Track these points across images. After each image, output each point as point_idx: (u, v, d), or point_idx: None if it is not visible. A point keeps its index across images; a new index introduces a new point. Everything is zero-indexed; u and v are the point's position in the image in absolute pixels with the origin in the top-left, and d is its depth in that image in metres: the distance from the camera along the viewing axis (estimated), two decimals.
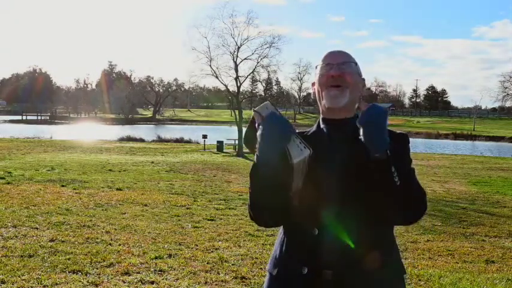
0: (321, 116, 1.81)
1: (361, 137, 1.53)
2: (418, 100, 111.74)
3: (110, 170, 14.00)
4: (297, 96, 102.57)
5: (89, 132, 39.53)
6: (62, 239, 5.89)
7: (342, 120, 1.74)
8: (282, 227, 1.79)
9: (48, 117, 75.03)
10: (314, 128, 1.82)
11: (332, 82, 1.72)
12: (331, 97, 1.72)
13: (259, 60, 26.20)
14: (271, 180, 1.58)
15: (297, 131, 1.82)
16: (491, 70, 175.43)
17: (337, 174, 1.65)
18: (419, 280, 4.96)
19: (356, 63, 1.80)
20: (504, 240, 6.95)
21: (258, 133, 1.55)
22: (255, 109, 1.58)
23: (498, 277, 5.16)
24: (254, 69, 26.75)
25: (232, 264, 5.21)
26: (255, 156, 1.59)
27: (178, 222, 7.22)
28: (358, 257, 1.61)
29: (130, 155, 20.25)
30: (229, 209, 8.56)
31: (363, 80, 1.83)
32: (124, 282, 4.54)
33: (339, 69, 1.73)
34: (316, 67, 1.80)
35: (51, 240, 5.82)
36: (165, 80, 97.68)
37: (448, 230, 7.38)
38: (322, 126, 1.79)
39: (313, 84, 1.83)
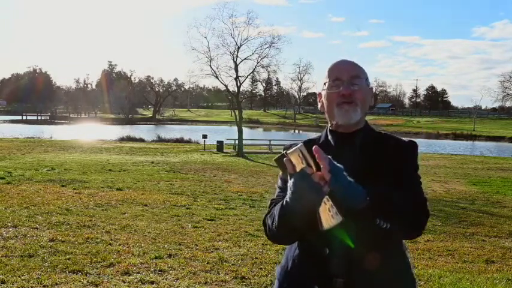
0: (329, 127, 1.80)
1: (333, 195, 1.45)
2: (418, 100, 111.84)
3: (109, 170, 14.00)
4: (297, 96, 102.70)
5: (89, 132, 39.55)
6: (62, 239, 5.89)
7: (352, 133, 1.74)
8: None
9: (48, 117, 75.09)
10: (322, 137, 1.81)
11: (342, 99, 1.70)
12: (342, 114, 1.70)
13: (259, 60, 26.25)
14: (294, 227, 1.59)
15: (306, 138, 1.81)
16: (491, 70, 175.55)
17: None
18: (420, 280, 4.95)
19: (366, 78, 1.77)
20: (504, 240, 6.95)
21: (289, 185, 1.49)
22: (288, 152, 1.44)
23: (498, 277, 5.16)
24: (254, 69, 26.79)
25: (232, 264, 5.20)
26: (285, 201, 1.56)
27: (178, 222, 7.22)
28: (368, 267, 1.60)
29: (130, 155, 20.24)
30: (229, 209, 8.56)
31: (371, 89, 1.81)
32: (124, 282, 4.54)
33: (349, 87, 1.70)
34: (324, 84, 1.75)
35: (51, 240, 5.81)
36: (165, 80, 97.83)
37: (448, 230, 7.38)
38: (330, 137, 1.78)
39: (319, 94, 1.80)
